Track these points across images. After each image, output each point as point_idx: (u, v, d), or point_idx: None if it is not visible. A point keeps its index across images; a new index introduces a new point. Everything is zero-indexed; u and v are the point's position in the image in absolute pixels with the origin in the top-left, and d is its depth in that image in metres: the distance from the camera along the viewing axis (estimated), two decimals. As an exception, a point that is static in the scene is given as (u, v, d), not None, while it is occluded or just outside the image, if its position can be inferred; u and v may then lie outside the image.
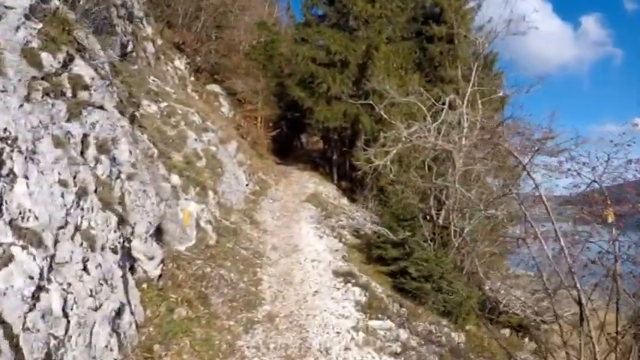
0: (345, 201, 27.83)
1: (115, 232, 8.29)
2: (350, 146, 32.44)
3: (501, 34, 23.84)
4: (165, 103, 20.10)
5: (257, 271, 13.03)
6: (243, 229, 16.02)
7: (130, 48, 22.53)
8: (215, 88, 33.74)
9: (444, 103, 20.39)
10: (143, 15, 26.96)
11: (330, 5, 32.06)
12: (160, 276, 10.11)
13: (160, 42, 29.21)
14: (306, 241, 16.73)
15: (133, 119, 13.53)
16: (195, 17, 33.85)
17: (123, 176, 9.73)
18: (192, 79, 32.10)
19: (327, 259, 15.28)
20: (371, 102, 28.12)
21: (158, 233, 10.89)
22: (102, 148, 9.18)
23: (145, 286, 9.55)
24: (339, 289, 13.15)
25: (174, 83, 27.39)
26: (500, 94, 28.84)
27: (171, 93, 22.42)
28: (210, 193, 15.98)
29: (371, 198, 29.63)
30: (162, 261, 10.26)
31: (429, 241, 17.23)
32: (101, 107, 9.71)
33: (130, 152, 10.33)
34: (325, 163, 36.35)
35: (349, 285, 13.45)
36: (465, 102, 19.31)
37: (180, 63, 31.07)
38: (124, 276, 8.28)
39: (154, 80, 22.57)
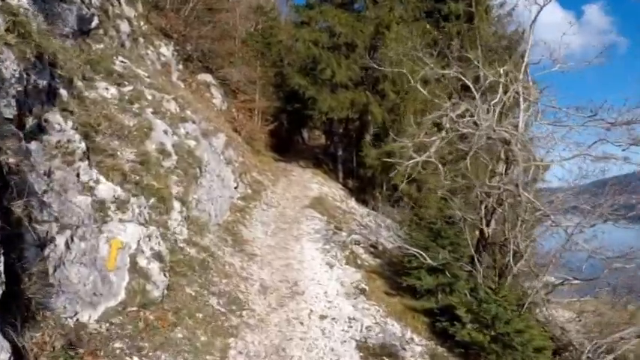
0: (353, 203, 22.52)
1: None
2: (357, 140, 27.10)
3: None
4: (130, 87, 14.89)
5: (229, 345, 7.59)
6: (219, 258, 10.64)
7: (94, 24, 17.24)
8: (207, 77, 28.21)
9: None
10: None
11: (334, -16, 26.57)
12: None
13: (144, 26, 23.95)
14: (310, 273, 11.42)
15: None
16: (185, 0, 28.45)
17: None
18: (181, 67, 26.68)
19: (345, 311, 10.01)
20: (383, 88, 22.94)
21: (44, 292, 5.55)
22: None
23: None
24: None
25: (154, 69, 22.09)
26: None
27: (144, 77, 17.07)
28: (175, 205, 10.65)
29: (382, 198, 24.35)
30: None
31: (478, 265, 11.88)
32: None
33: None
34: (329, 159, 30.90)
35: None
36: (510, 80, 13.60)
37: (166, 50, 25.64)
38: None
39: (122, 62, 17.19)
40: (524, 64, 12.96)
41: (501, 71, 13.27)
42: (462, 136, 13.65)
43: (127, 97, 14.11)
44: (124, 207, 8.18)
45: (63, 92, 9.66)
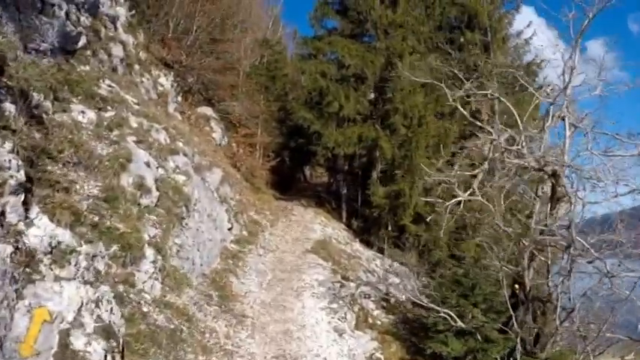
0: (358, 246, 20.13)
1: None
2: (363, 178, 24.85)
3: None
4: (112, 113, 12.85)
5: None
6: (197, 323, 8.21)
7: (80, 44, 15.30)
8: (207, 110, 26.19)
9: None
10: (118, 15, 19.85)
11: (343, 14, 24.72)
12: None
13: (143, 54, 22.16)
14: (314, 345, 9.02)
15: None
16: (187, 30, 26.65)
17: None
18: (180, 99, 24.70)
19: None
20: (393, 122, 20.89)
21: None
22: None
23: None
24: None
25: (148, 98, 20.13)
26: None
27: (133, 103, 15.03)
28: (148, 253, 8.34)
29: (387, 240, 21.95)
30: None
31: (515, 325, 9.44)
32: None
33: None
34: (332, 198, 28.50)
35: None
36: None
37: (165, 80, 23.73)
38: None
39: (109, 86, 15.16)
40: (567, 85, 10.67)
41: (547, 92, 11.01)
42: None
43: (105, 123, 12.01)
44: (64, 259, 5.85)
45: (8, 107, 7.49)
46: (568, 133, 10.50)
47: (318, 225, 19.88)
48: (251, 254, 13.37)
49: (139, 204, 9.75)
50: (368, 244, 21.69)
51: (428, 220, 21.36)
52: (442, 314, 9.83)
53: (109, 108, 13.12)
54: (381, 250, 21.67)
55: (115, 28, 19.65)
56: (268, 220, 18.06)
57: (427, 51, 23.24)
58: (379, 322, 11.47)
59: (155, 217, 9.85)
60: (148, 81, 21.52)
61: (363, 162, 23.73)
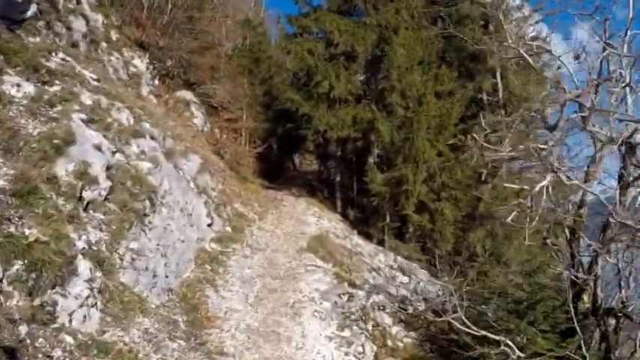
0: (357, 239, 17.58)
1: None
2: (358, 164, 22.25)
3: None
4: (59, 87, 10.15)
5: None
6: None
7: (30, 13, 12.49)
8: (187, 94, 23.22)
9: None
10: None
11: (331, -11, 21.94)
12: None
13: (115, 36, 19.34)
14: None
15: None
16: (162, 10, 23.65)
17: None
18: (157, 82, 21.81)
19: None
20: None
21: None
22: None
23: None
24: None
25: (117, 78, 17.35)
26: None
27: (91, 79, 12.24)
28: (83, 269, 5.66)
29: (388, 231, 19.40)
30: None
31: (584, 350, 6.90)
32: None
33: None
34: (324, 186, 25.80)
35: None
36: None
37: (140, 62, 20.83)
38: None
39: (63, 60, 12.36)
40: (626, 38, 8.02)
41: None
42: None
43: (46, 97, 9.29)
44: None
45: None
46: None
47: (312, 217, 17.22)
48: (235, 256, 10.69)
49: (79, 198, 7.06)
50: (367, 237, 19.15)
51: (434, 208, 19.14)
52: (499, 342, 7.12)
53: (57, 82, 10.45)
54: (380, 242, 19.16)
55: (78, 2, 16.75)
56: (256, 213, 15.39)
57: (420, 27, 20.53)
58: (401, 345, 8.88)
59: (102, 216, 7.18)
60: (118, 60, 18.63)
61: (357, 146, 21.04)
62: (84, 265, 5.72)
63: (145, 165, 10.15)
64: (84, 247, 6.00)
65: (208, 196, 12.90)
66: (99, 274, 5.92)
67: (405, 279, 14.31)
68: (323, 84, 19.53)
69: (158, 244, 8.21)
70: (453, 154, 19.13)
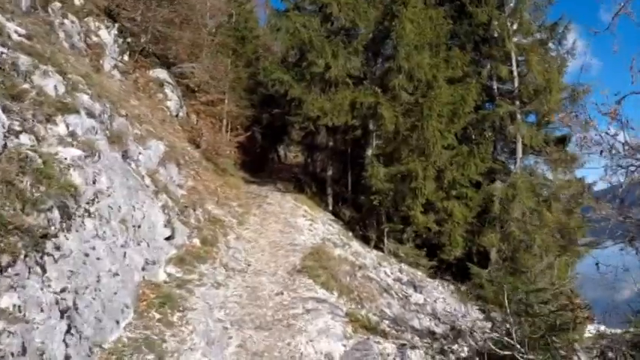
0: (356, 245, 14.20)
1: None
2: (353, 156, 18.79)
3: None
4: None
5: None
6: None
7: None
8: (161, 74, 19.38)
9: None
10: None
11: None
12: None
13: (79, 2, 15.65)
14: None
15: None
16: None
17: None
18: (126, 58, 17.91)
19: None
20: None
21: None
22: None
23: None
24: None
25: (70, 46, 13.66)
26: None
27: (17, 35, 8.53)
28: None
29: (388, 235, 16.05)
30: None
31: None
32: None
33: None
34: (311, 180, 22.16)
35: None
36: None
37: (107, 34, 16.96)
38: None
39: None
40: None
41: None
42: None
43: None
44: None
45: None
46: None
47: (302, 218, 13.70)
48: (201, 287, 7.10)
49: None
50: (364, 240, 15.81)
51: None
52: None
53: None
54: (378, 246, 15.84)
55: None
56: (235, 216, 11.81)
57: (428, 6, 17.01)
58: None
59: None
60: (73, 25, 14.83)
61: (353, 136, 17.48)
62: None
63: (69, 153, 6.56)
64: None
65: (171, 196, 9.31)
66: None
67: (419, 298, 11.01)
68: (318, 62, 16.00)
69: (64, 289, 4.63)
70: (466, 146, 15.82)
